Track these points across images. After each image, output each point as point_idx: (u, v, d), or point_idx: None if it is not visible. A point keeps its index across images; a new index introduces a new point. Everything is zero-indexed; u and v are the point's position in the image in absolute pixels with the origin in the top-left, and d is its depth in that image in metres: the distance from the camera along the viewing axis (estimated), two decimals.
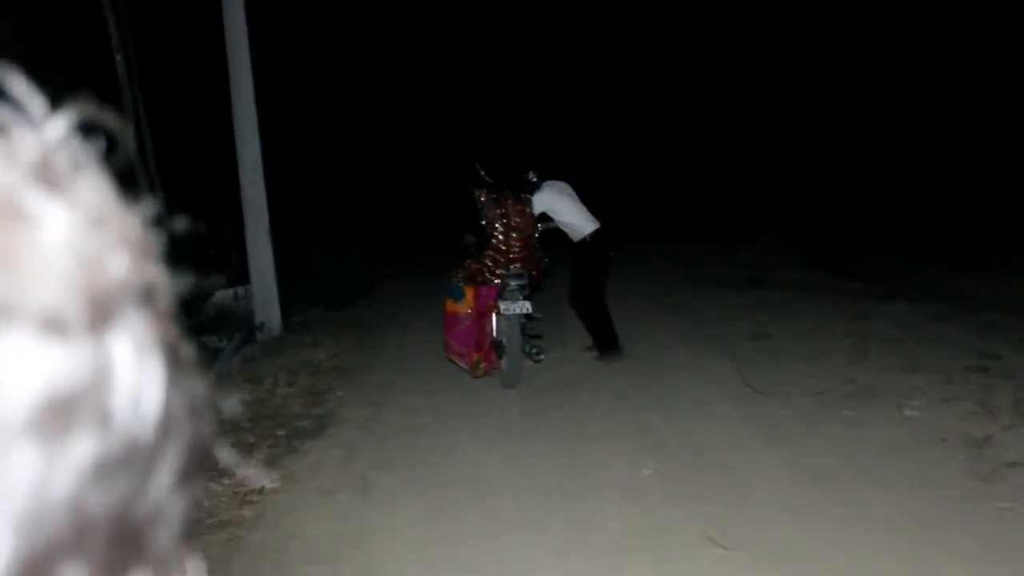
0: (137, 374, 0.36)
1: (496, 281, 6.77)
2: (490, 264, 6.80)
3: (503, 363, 6.82)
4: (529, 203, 6.95)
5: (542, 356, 7.10)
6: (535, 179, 7.14)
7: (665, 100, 23.74)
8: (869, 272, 11.27)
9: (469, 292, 6.88)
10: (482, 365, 6.89)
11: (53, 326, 0.33)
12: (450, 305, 7.00)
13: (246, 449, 5.61)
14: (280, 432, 5.95)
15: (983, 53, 18.07)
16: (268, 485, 4.98)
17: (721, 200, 19.85)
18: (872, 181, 18.88)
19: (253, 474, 5.02)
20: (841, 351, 7.12)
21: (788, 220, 15.86)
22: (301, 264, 10.94)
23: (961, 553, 3.64)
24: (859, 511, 4.11)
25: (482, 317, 6.85)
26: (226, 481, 5.02)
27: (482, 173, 6.92)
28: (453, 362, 7.08)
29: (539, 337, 7.26)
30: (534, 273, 6.96)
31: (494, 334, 6.85)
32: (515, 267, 6.78)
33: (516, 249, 6.79)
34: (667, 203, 20.87)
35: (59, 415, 0.32)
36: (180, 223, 0.49)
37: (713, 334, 8.15)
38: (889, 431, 5.20)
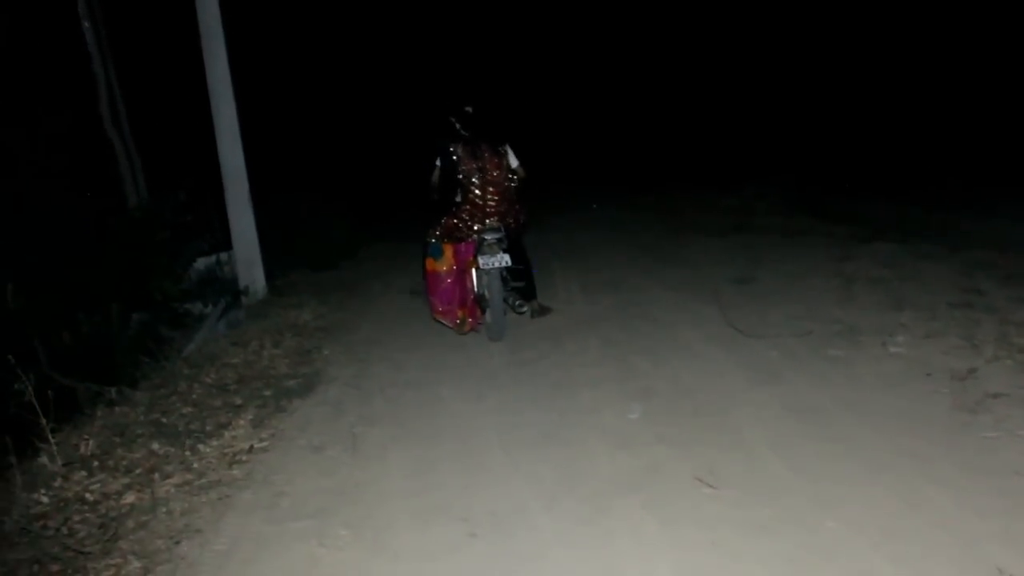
0: None
1: (474, 236, 6.74)
2: (467, 218, 6.76)
3: (487, 316, 6.81)
4: (505, 155, 6.89)
5: (525, 308, 7.12)
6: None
7: (652, 52, 23.60)
8: (854, 215, 11.30)
9: (448, 250, 6.85)
10: (468, 321, 6.88)
11: None
12: (431, 264, 6.97)
13: (233, 411, 5.59)
14: (267, 392, 5.94)
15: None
16: (256, 444, 4.97)
17: (707, 148, 19.82)
18: (857, 127, 18.83)
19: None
20: (827, 292, 7.14)
21: (774, 167, 15.82)
22: (284, 228, 10.89)
23: (948, 482, 3.66)
24: (847, 446, 4.14)
25: (463, 273, 6.83)
26: (214, 442, 5.02)
27: (458, 127, 6.84)
28: (439, 321, 7.07)
29: (522, 292, 7.26)
30: (511, 223, 6.91)
31: (476, 289, 6.83)
32: (491, 220, 6.75)
33: (493, 202, 6.76)
34: (654, 153, 20.85)
35: None
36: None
37: (700, 280, 8.16)
38: (875, 368, 5.23)
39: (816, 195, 13.44)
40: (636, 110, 23.79)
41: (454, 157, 6.76)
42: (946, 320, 5.91)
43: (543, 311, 7.33)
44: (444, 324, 7.04)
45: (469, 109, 6.86)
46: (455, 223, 6.84)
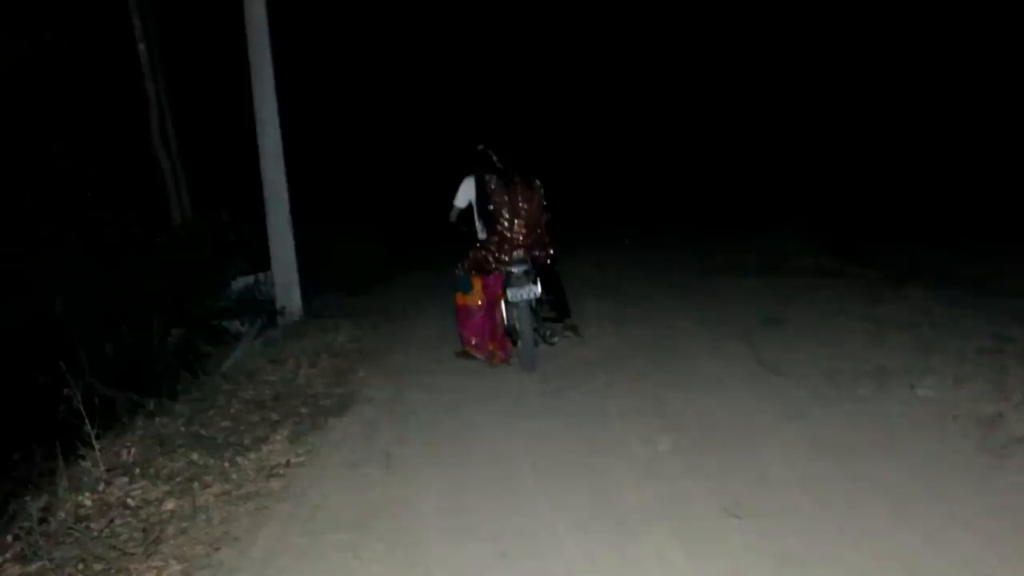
0: None
1: (502, 269, 6.83)
2: (495, 250, 6.85)
3: (519, 347, 6.90)
4: (538, 189, 6.98)
5: (556, 339, 7.18)
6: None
7: (686, 93, 23.78)
8: (886, 259, 11.32)
9: (477, 283, 6.96)
10: (497, 354, 6.98)
11: None
12: (460, 298, 7.08)
13: (271, 426, 5.74)
14: (304, 410, 6.09)
15: (995, 46, 18.00)
16: (293, 459, 5.11)
17: (739, 189, 19.90)
18: (890, 170, 18.84)
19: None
20: (856, 334, 7.19)
21: (805, 209, 15.87)
22: (321, 252, 11.09)
23: (972, 523, 3.71)
24: (872, 484, 4.20)
25: (492, 307, 6.93)
26: (252, 455, 5.16)
27: (494, 159, 6.96)
28: (468, 355, 7.17)
29: (553, 320, 7.34)
30: (539, 255, 6.98)
31: (506, 321, 6.92)
32: (518, 253, 6.82)
33: (521, 235, 6.84)
34: (687, 192, 20.95)
35: None
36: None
37: (730, 318, 8.24)
38: (902, 409, 5.28)
39: (847, 238, 13.47)
40: (670, 151, 23.94)
41: (488, 189, 6.87)
42: (975, 365, 5.95)
43: (574, 330, 7.38)
44: (474, 357, 7.14)
45: (489, 150, 7.00)
46: (483, 255, 6.95)
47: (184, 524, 4.24)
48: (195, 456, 5.15)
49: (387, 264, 12.62)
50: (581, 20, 24.01)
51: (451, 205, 7.25)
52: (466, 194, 7.16)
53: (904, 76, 19.58)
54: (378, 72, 20.70)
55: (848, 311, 8.07)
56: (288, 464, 5.05)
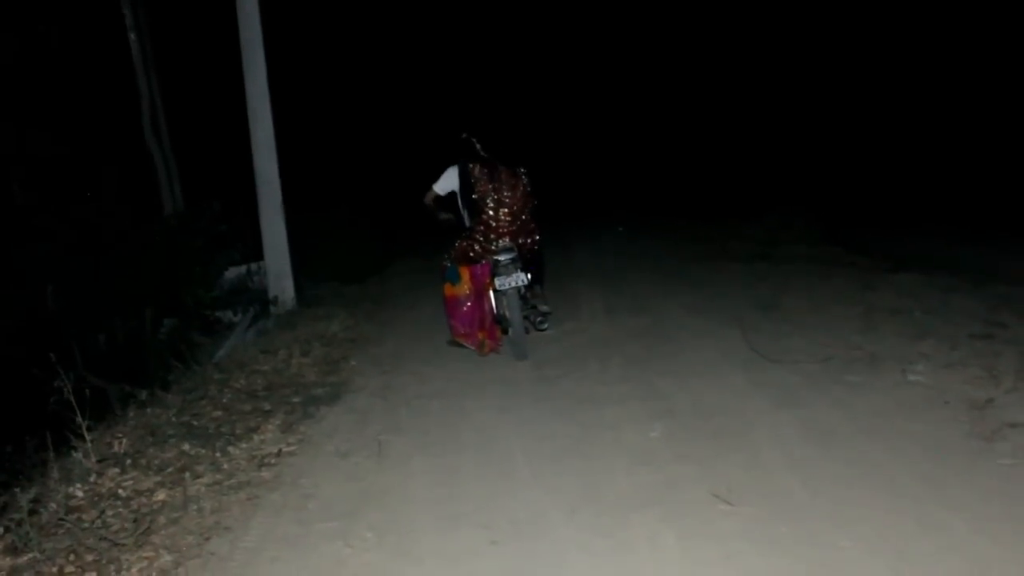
0: None
1: (488, 258, 6.80)
2: (481, 239, 6.83)
3: (510, 335, 6.88)
4: (522, 177, 6.94)
5: (546, 325, 7.17)
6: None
7: (678, 81, 23.77)
8: (878, 246, 11.34)
9: (464, 273, 6.94)
10: (487, 343, 6.97)
11: None
12: (449, 289, 7.06)
13: (262, 416, 5.73)
14: (295, 399, 6.08)
15: (989, 36, 18.00)
16: (285, 448, 5.10)
17: (732, 177, 19.90)
18: (881, 158, 18.85)
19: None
20: (848, 320, 7.19)
21: (797, 197, 15.87)
22: (315, 241, 11.07)
23: (963, 507, 3.71)
24: (864, 469, 4.20)
25: (480, 296, 6.91)
26: (244, 445, 5.16)
27: (478, 147, 6.91)
28: (459, 344, 7.16)
29: (544, 307, 7.33)
30: (525, 242, 6.94)
31: (495, 310, 6.91)
32: (503, 241, 6.80)
33: (505, 224, 6.82)
34: (679, 181, 20.95)
35: None
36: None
37: (723, 304, 8.24)
38: (894, 394, 5.28)
39: (840, 225, 13.48)
40: (663, 140, 23.94)
41: (472, 178, 6.85)
42: (967, 351, 5.95)
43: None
44: (464, 347, 7.12)
45: (473, 138, 6.95)
46: (468, 244, 6.93)
47: (175, 514, 4.24)
48: (186, 446, 5.14)
49: (382, 253, 12.61)
50: (574, 8, 23.96)
51: (429, 188, 7.21)
52: (448, 183, 7.12)
53: (902, 64, 19.57)
54: (370, 62, 20.65)
55: (841, 298, 8.06)
56: (279, 453, 5.05)
